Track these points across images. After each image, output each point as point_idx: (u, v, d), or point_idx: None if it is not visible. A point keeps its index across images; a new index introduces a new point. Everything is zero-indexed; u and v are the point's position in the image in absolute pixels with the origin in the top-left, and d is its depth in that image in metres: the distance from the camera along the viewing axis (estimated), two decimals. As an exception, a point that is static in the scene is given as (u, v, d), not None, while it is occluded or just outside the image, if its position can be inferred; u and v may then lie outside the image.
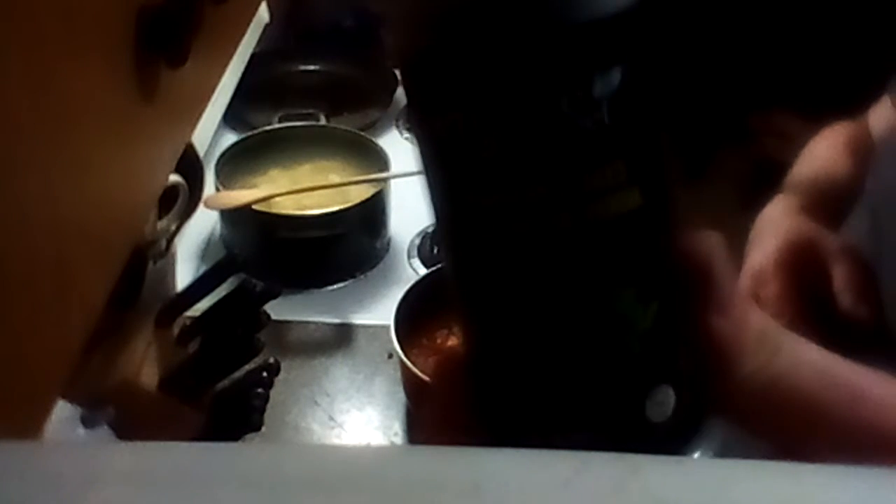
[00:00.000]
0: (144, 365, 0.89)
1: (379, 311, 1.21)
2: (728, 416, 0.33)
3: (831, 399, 0.33)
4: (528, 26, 0.28)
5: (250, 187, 1.31)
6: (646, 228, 0.31)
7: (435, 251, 1.33)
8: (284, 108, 1.50)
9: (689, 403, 0.33)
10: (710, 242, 0.33)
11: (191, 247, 1.30)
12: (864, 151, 0.84)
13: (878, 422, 0.33)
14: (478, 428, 0.33)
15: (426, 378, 1.01)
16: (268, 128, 1.42)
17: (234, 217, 1.29)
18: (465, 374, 0.34)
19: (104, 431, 0.85)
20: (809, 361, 0.33)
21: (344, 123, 1.47)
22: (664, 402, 0.32)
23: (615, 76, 0.29)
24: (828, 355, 0.34)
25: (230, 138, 1.45)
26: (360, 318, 1.23)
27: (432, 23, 0.29)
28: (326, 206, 1.26)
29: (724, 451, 0.34)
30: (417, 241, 1.35)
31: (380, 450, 0.63)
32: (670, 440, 0.33)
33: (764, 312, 0.33)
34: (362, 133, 1.42)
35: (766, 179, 0.90)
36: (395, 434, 1.09)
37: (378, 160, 1.34)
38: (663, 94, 0.30)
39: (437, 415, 0.36)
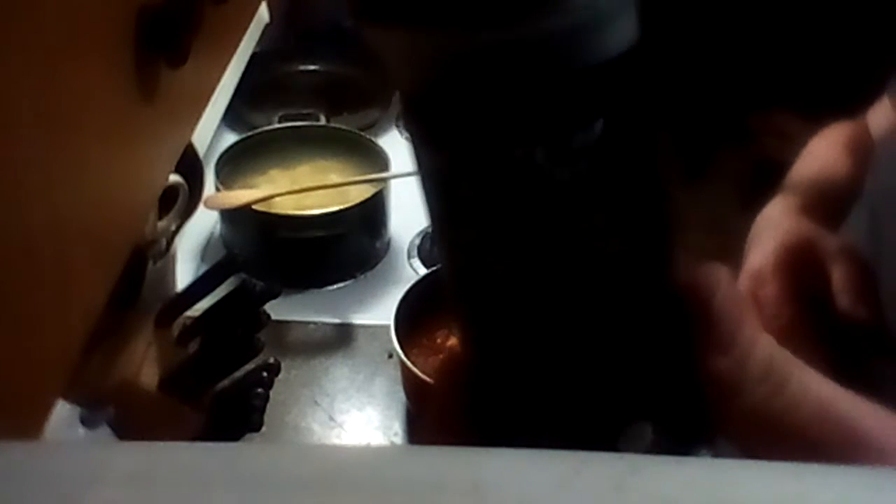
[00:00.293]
0: (144, 365, 0.89)
1: (379, 311, 1.21)
2: (728, 441, 0.33)
3: (832, 442, 0.32)
4: (508, 78, 0.28)
5: (250, 187, 1.31)
6: (625, 275, 0.31)
7: (435, 251, 1.33)
8: (284, 108, 1.50)
9: (667, 439, 0.33)
10: (713, 276, 0.32)
11: (191, 247, 1.30)
12: (863, 152, 0.84)
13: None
14: (474, 432, 0.34)
15: (426, 378, 1.01)
16: (268, 128, 1.42)
17: (234, 217, 1.29)
18: (465, 377, 0.34)
19: (104, 431, 0.85)
20: (814, 399, 0.33)
21: (344, 123, 1.47)
22: (640, 437, 0.33)
23: (595, 128, 0.29)
24: (835, 392, 0.33)
25: (230, 138, 1.45)
26: (360, 318, 1.23)
27: (425, 68, 0.30)
28: (326, 206, 1.26)
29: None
30: (417, 241, 1.35)
31: (380, 450, 0.63)
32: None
33: (773, 340, 0.33)
34: (362, 133, 1.42)
35: (766, 179, 0.90)
36: (395, 434, 1.09)
37: (378, 160, 1.34)
38: (646, 145, 0.30)
39: (435, 417, 0.36)
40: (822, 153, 0.88)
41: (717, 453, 0.34)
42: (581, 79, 0.28)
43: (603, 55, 0.28)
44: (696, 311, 0.32)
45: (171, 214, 0.96)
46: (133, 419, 0.86)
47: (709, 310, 0.32)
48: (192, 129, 0.71)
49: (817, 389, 0.33)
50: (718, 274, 0.32)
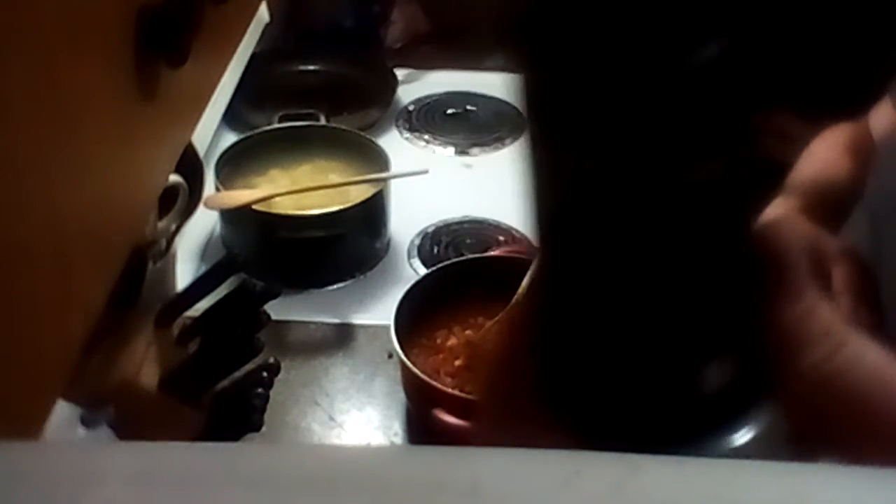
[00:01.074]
0: (144, 365, 0.89)
1: (379, 311, 1.21)
2: (782, 403, 0.33)
3: (884, 405, 0.32)
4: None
5: (250, 187, 1.31)
6: (724, 200, 0.31)
7: (435, 251, 1.33)
8: (284, 108, 1.50)
9: (744, 382, 0.33)
10: (795, 231, 0.33)
11: (191, 247, 1.30)
12: (864, 153, 0.84)
13: None
14: (540, 408, 0.33)
15: (426, 378, 1.01)
16: (268, 128, 1.42)
17: (234, 217, 1.29)
18: (525, 358, 0.34)
19: (104, 431, 0.85)
20: (870, 363, 0.33)
21: (344, 123, 1.47)
22: (718, 375, 0.33)
23: (711, 49, 0.28)
24: (888, 359, 0.34)
25: (230, 138, 1.45)
26: (360, 318, 1.23)
27: None
28: (326, 206, 1.26)
29: (768, 437, 0.34)
30: (417, 241, 1.35)
31: (380, 450, 0.63)
32: (719, 414, 0.33)
33: (833, 305, 0.33)
34: (362, 133, 1.42)
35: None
36: (395, 434, 1.09)
37: (378, 160, 1.34)
38: (761, 69, 0.30)
39: (499, 406, 0.36)
40: (824, 155, 0.88)
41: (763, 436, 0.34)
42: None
43: None
44: (773, 259, 0.32)
45: (171, 214, 0.96)
46: (133, 419, 0.86)
47: (786, 259, 0.32)
48: (192, 129, 0.71)
49: (872, 355, 0.33)
50: (797, 229, 0.33)
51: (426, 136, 1.58)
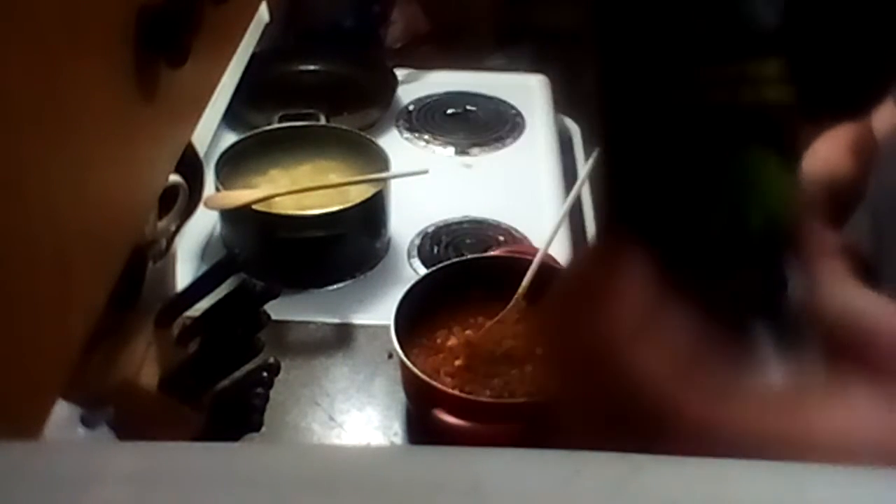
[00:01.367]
0: (144, 365, 0.89)
1: (379, 311, 1.21)
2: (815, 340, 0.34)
3: (888, 339, 0.34)
4: None
5: (250, 187, 1.31)
6: (790, 127, 0.32)
7: (435, 251, 1.33)
8: (284, 108, 1.50)
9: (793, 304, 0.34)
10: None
11: (191, 247, 1.30)
12: (867, 153, 0.84)
13: None
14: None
15: (426, 378, 1.01)
16: (268, 128, 1.42)
17: (234, 217, 1.29)
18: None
19: (104, 431, 0.85)
20: (868, 302, 0.35)
21: (344, 123, 1.47)
22: (751, 283, 0.34)
23: None
24: (886, 301, 0.35)
25: (230, 138, 1.45)
26: (360, 318, 1.23)
27: None
28: (326, 206, 1.26)
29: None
30: (417, 241, 1.35)
31: (380, 450, 0.63)
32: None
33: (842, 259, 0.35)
34: (362, 133, 1.42)
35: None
36: (395, 434, 1.09)
37: (378, 160, 1.34)
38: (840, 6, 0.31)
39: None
40: (827, 154, 0.88)
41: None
42: None
43: None
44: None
45: (171, 214, 0.96)
46: (133, 419, 0.86)
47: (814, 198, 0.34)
48: (192, 129, 0.71)
49: (870, 297, 0.35)
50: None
51: (426, 136, 1.58)
